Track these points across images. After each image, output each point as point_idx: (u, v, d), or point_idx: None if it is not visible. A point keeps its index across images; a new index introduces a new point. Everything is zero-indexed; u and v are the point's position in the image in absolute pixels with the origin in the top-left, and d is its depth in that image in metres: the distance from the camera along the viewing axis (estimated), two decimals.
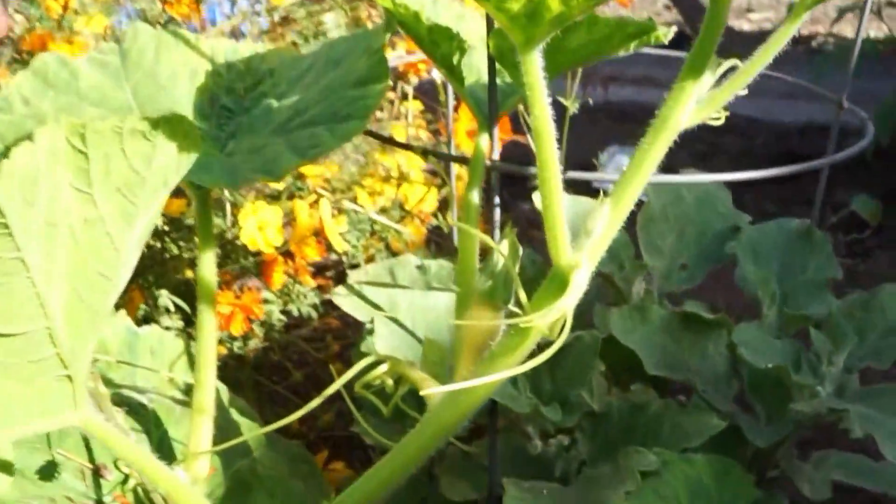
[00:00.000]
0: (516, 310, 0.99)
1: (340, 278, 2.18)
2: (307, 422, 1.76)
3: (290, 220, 1.74)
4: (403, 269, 1.28)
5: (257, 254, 1.68)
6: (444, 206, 2.07)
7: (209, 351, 0.99)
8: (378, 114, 2.36)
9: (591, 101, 1.52)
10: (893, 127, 2.83)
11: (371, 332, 1.27)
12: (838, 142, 1.34)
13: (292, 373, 1.79)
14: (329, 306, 2.11)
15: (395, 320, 1.14)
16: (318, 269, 2.09)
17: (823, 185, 1.34)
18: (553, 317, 0.82)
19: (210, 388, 1.00)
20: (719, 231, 1.43)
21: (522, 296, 0.85)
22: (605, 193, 0.81)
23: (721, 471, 1.02)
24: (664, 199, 1.43)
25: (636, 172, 0.80)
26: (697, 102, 0.82)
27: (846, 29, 4.61)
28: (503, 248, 0.90)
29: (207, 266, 0.97)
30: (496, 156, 1.00)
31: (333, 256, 1.92)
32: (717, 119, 0.86)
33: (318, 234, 1.68)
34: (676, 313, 1.18)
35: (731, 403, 1.12)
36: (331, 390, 0.98)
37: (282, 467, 1.22)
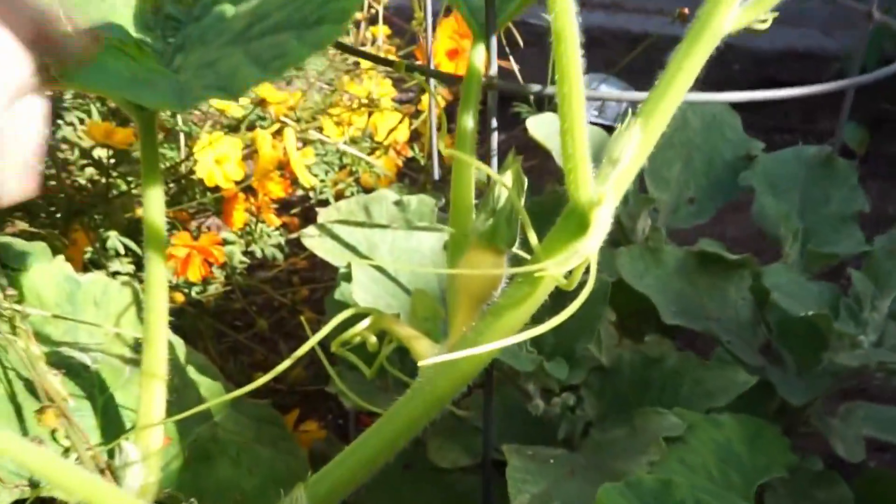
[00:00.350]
0: (523, 254, 0.86)
1: (308, 217, 2.04)
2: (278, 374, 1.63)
3: (251, 152, 1.58)
4: (380, 206, 1.14)
5: (216, 190, 1.52)
6: (416, 137, 1.92)
7: (159, 301, 0.85)
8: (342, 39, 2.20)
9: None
10: (880, 52, 2.71)
11: (347, 277, 1.13)
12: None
13: (257, 320, 1.65)
14: (296, 246, 1.96)
15: (374, 265, 1.00)
16: (283, 207, 1.94)
17: (848, 106, 1.21)
18: (572, 263, 0.68)
19: (161, 343, 0.86)
20: (729, 160, 1.30)
21: (533, 237, 0.71)
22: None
23: (753, 433, 0.90)
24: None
25: (669, 87, 0.67)
26: (743, 2, 0.68)
27: None
28: (506, 181, 0.76)
29: (154, 202, 0.83)
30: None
31: (299, 192, 1.77)
32: (764, 22, 0.72)
33: (283, 167, 1.53)
34: (693, 253, 1.05)
35: (757, 355, 1.00)
36: (303, 350, 0.85)
37: (247, 431, 1.10)
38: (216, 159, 1.47)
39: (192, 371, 1.09)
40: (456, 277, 0.80)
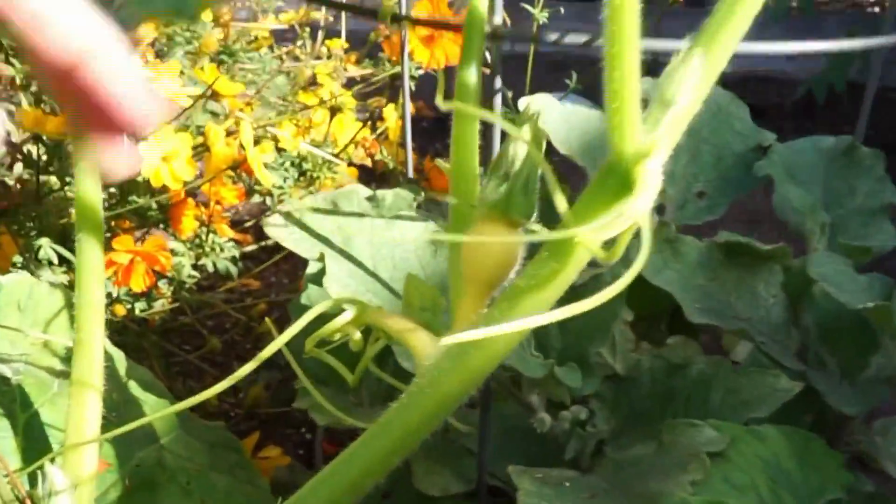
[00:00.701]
0: (538, 228, 0.72)
1: (262, 234, 1.90)
2: (230, 396, 1.48)
3: (202, 151, 1.44)
4: (350, 202, 1.00)
5: (163, 191, 1.37)
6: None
7: (94, 293, 0.71)
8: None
9: None
10: (845, 75, 2.70)
11: (315, 278, 0.99)
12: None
13: (208, 339, 1.50)
14: (250, 262, 1.82)
15: (350, 258, 0.86)
16: (235, 224, 1.79)
17: (878, 70, 1.10)
18: (616, 228, 0.55)
19: (96, 345, 0.71)
20: (739, 152, 1.18)
21: (561, 201, 0.57)
22: None
23: (801, 448, 0.78)
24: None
25: (735, 6, 0.54)
26: None
27: None
28: (526, 135, 0.63)
29: (88, 175, 0.68)
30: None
31: (255, 200, 1.62)
32: None
33: (238, 166, 1.38)
34: (717, 245, 0.93)
35: (794, 360, 0.87)
36: (272, 349, 0.70)
37: (199, 457, 0.95)
38: (163, 156, 1.32)
39: (134, 387, 0.94)
40: (460, 259, 0.67)
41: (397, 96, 1.75)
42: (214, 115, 1.55)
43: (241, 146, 1.38)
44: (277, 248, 1.79)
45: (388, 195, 1.03)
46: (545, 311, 0.60)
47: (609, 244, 0.58)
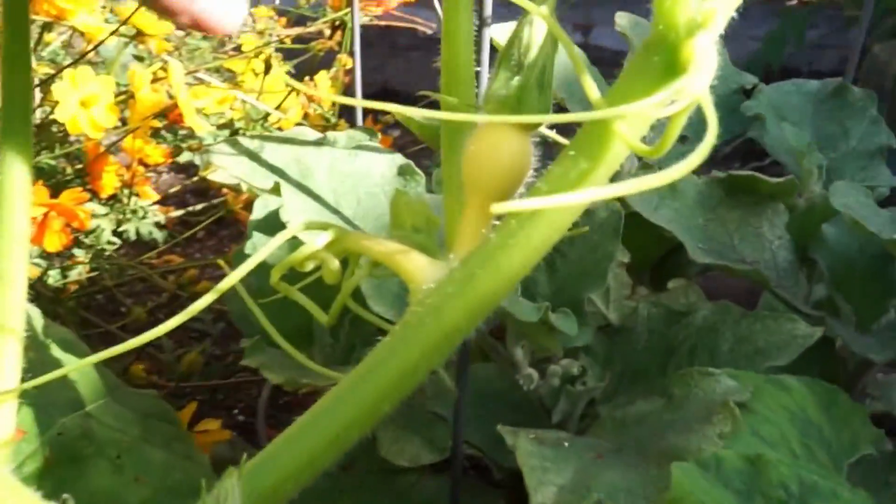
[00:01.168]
0: (555, 136, 0.63)
1: (186, 206, 1.77)
2: (161, 367, 1.35)
3: (126, 98, 1.31)
4: None
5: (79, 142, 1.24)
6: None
7: (16, 228, 0.58)
8: None
9: None
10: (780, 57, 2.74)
11: (261, 225, 0.89)
12: None
13: (132, 309, 1.37)
14: (170, 236, 1.68)
15: (309, 192, 0.75)
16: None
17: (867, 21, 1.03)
18: (674, 106, 0.45)
19: (18, 288, 0.59)
20: (721, 94, 1.10)
21: (592, 88, 0.48)
22: None
23: (827, 400, 0.70)
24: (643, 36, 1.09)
25: None
26: None
27: None
28: (538, 21, 0.54)
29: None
30: None
31: (184, 159, 1.49)
32: None
33: (166, 114, 1.26)
34: (718, 180, 0.85)
35: (805, 305, 0.79)
36: (223, 287, 0.59)
37: (131, 428, 0.84)
38: (82, 101, 1.19)
39: (54, 348, 0.82)
40: (459, 168, 0.57)
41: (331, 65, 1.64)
42: (139, 59, 1.42)
43: (170, 93, 1.26)
44: (200, 221, 1.68)
45: (341, 137, 0.93)
46: (569, 221, 0.51)
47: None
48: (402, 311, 0.73)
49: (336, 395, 0.53)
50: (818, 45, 3.09)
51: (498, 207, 0.40)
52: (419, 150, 1.76)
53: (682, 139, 0.97)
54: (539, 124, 0.56)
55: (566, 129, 0.73)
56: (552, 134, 0.63)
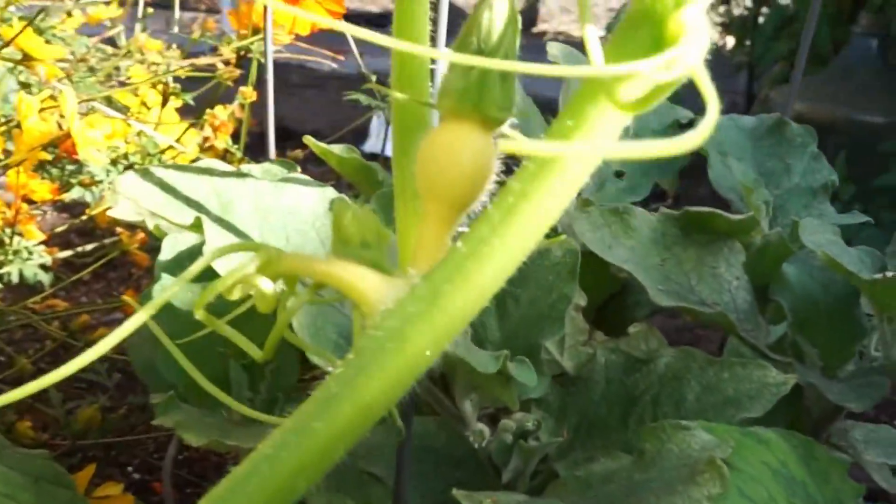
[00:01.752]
0: (519, 136, 0.56)
1: (73, 246, 1.66)
2: (52, 424, 1.23)
3: (9, 129, 1.20)
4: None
5: None
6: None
7: None
8: None
9: None
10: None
11: (169, 266, 0.80)
12: None
13: (15, 360, 1.25)
14: (56, 279, 1.56)
15: (232, 228, 0.67)
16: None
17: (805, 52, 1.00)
18: (669, 74, 0.40)
19: None
20: (657, 129, 1.06)
21: (596, 48, 0.42)
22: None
23: (805, 454, 0.66)
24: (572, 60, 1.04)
25: None
26: None
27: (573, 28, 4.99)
28: (501, 2, 0.49)
29: None
30: None
31: (74, 195, 1.38)
32: None
33: (57, 145, 1.15)
34: (672, 217, 0.80)
35: (768, 349, 0.74)
36: (130, 326, 0.51)
37: (22, 494, 0.73)
38: None
39: None
40: (412, 175, 0.50)
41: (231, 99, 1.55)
42: (26, 85, 1.31)
43: (60, 122, 1.16)
44: (87, 263, 1.56)
45: (254, 170, 0.85)
46: (548, 226, 0.44)
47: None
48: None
49: (279, 439, 0.45)
50: None
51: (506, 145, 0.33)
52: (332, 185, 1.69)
53: (619, 174, 0.92)
54: (503, 121, 0.50)
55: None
56: (517, 134, 0.57)
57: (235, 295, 0.50)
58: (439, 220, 0.47)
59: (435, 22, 0.55)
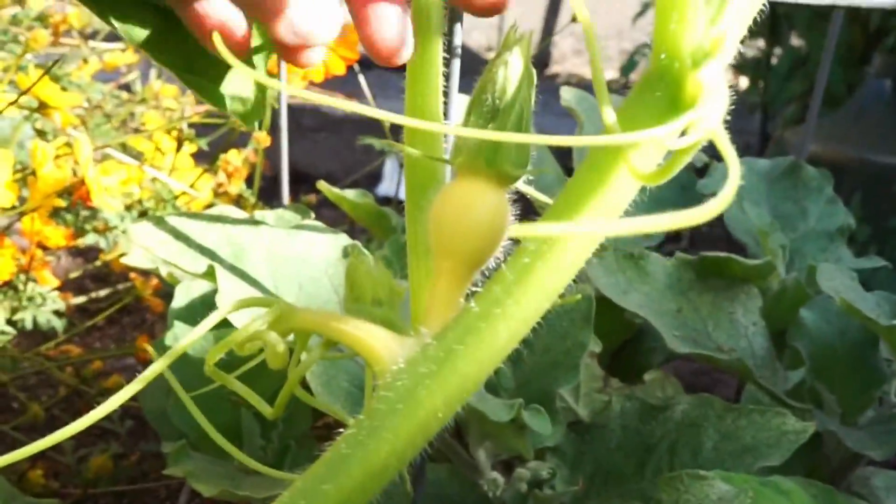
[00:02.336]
0: (534, 192, 0.57)
1: (86, 291, 1.66)
2: (63, 472, 1.23)
3: (25, 176, 1.21)
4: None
5: None
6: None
7: None
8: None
9: None
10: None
11: (182, 314, 0.80)
12: None
13: (28, 406, 1.25)
14: (70, 325, 1.56)
15: (244, 276, 0.67)
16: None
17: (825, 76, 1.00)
18: (687, 138, 0.40)
19: None
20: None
21: (608, 111, 0.43)
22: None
23: (825, 503, 0.62)
24: (596, 116, 1.05)
25: None
26: None
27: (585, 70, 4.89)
28: (514, 62, 0.49)
29: None
30: None
31: (88, 241, 1.39)
32: None
33: (71, 192, 1.16)
34: (688, 262, 0.79)
35: (787, 395, 0.73)
36: (147, 377, 0.51)
37: None
38: None
39: None
40: (425, 230, 0.50)
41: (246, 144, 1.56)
42: (41, 133, 1.32)
43: (75, 169, 1.16)
44: (101, 309, 1.56)
45: (269, 216, 0.85)
46: (563, 285, 0.45)
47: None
48: (355, 410, 0.64)
49: (288, 501, 0.45)
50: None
51: (516, 230, 0.32)
52: (342, 231, 1.69)
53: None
54: (517, 177, 0.50)
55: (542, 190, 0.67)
56: (530, 190, 0.57)
57: (247, 350, 0.50)
58: (452, 278, 0.47)
59: (448, 66, 0.55)
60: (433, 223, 0.47)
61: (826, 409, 0.78)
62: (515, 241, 0.50)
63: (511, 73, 0.46)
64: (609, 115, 0.41)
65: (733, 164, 0.40)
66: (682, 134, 0.39)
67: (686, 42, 0.39)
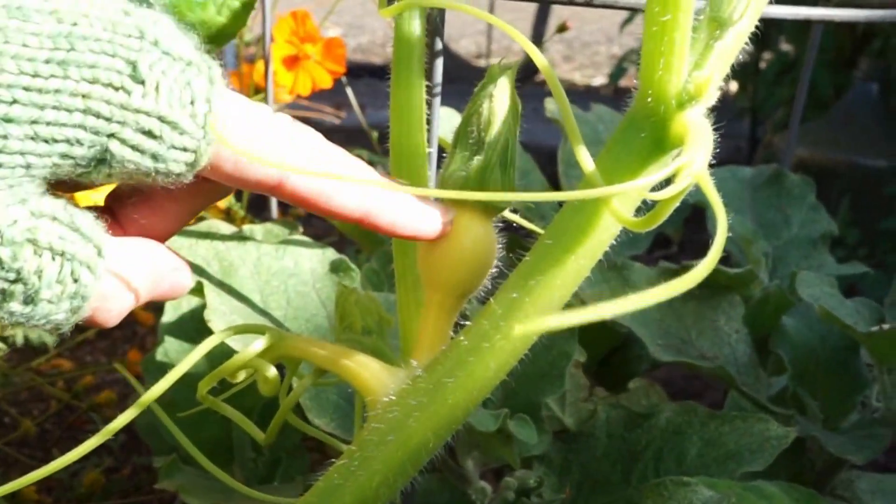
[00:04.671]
0: (521, 220, 0.58)
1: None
2: (56, 487, 1.24)
3: None
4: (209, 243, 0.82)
5: None
6: None
7: None
8: None
9: None
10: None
11: (172, 329, 0.81)
12: None
13: (20, 422, 1.26)
14: (62, 339, 1.57)
15: (234, 292, 0.68)
16: None
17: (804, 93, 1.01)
18: (673, 186, 0.42)
19: None
20: None
21: (586, 158, 0.44)
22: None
23: None
24: (584, 128, 1.06)
25: None
26: None
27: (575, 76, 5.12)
28: (500, 97, 0.50)
29: None
30: None
31: None
32: None
33: None
34: (671, 271, 0.82)
35: (769, 401, 0.75)
36: (145, 401, 0.52)
37: None
38: None
39: None
40: (414, 261, 0.51)
41: None
42: None
43: None
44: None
45: (257, 230, 0.86)
46: (558, 306, 0.46)
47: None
48: (344, 423, 0.66)
49: None
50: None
51: (551, 322, 0.33)
52: (331, 242, 1.70)
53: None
54: (503, 208, 0.51)
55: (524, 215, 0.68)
56: (517, 218, 0.58)
57: (240, 378, 0.51)
58: (441, 308, 0.48)
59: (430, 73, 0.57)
60: (422, 255, 0.49)
61: (809, 414, 0.79)
62: (507, 250, 0.52)
63: (496, 106, 0.48)
64: (588, 163, 0.42)
65: (720, 214, 0.41)
66: (669, 181, 0.40)
67: (672, 85, 0.41)
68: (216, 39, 0.54)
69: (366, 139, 1.65)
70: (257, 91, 1.47)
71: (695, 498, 0.63)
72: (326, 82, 1.22)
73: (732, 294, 0.84)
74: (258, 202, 1.86)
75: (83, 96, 0.37)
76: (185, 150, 0.40)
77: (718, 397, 1.24)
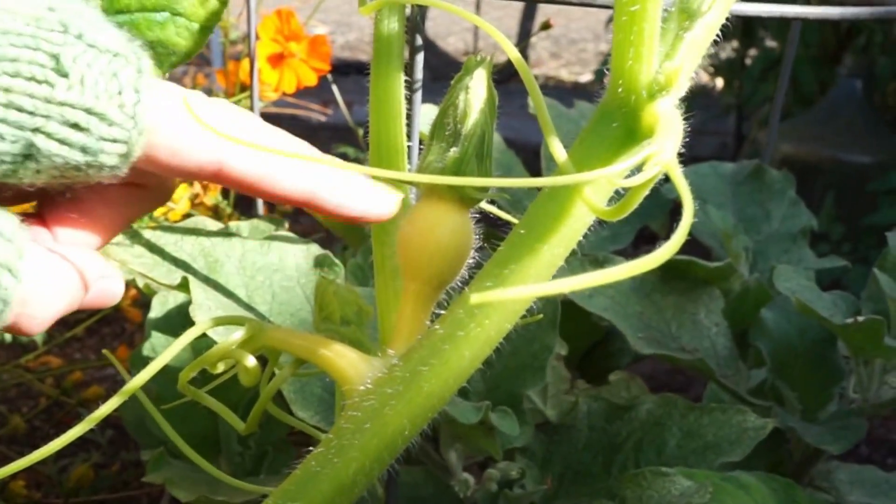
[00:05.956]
0: (498, 211, 0.59)
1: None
2: (45, 482, 1.24)
3: None
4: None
5: None
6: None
7: None
8: None
9: None
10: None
11: (158, 324, 0.82)
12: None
13: (8, 418, 1.26)
14: (50, 336, 1.57)
15: (219, 286, 0.69)
16: None
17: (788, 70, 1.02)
18: (642, 174, 0.42)
19: None
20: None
21: (558, 148, 0.45)
22: None
23: (786, 498, 0.67)
24: (568, 125, 1.06)
25: None
26: None
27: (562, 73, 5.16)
28: (476, 88, 0.51)
29: None
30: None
31: None
32: None
33: None
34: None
35: (748, 393, 0.76)
36: (127, 391, 0.53)
37: None
38: None
39: None
40: (392, 252, 0.52)
41: None
42: None
43: None
44: (81, 319, 1.57)
45: (243, 226, 0.87)
46: (525, 307, 0.47)
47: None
48: (328, 416, 0.66)
49: None
50: (698, 132, 3.19)
51: (478, 297, 0.34)
52: (318, 239, 1.71)
53: (601, 222, 0.94)
54: (480, 199, 0.52)
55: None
56: (494, 209, 0.59)
57: (220, 369, 0.52)
58: (418, 298, 0.49)
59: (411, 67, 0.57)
60: (400, 246, 0.49)
61: (787, 406, 0.80)
62: (483, 244, 0.53)
63: (472, 98, 0.48)
64: (560, 153, 0.43)
65: (687, 203, 0.42)
66: (639, 169, 0.41)
67: (642, 76, 0.41)
68: (176, 58, 0.55)
69: (352, 136, 1.65)
70: (243, 89, 1.48)
71: (673, 488, 0.64)
72: (311, 80, 1.23)
73: (712, 288, 0.85)
74: (245, 200, 1.87)
75: (4, 90, 0.37)
76: (115, 141, 0.40)
77: (701, 392, 1.25)
